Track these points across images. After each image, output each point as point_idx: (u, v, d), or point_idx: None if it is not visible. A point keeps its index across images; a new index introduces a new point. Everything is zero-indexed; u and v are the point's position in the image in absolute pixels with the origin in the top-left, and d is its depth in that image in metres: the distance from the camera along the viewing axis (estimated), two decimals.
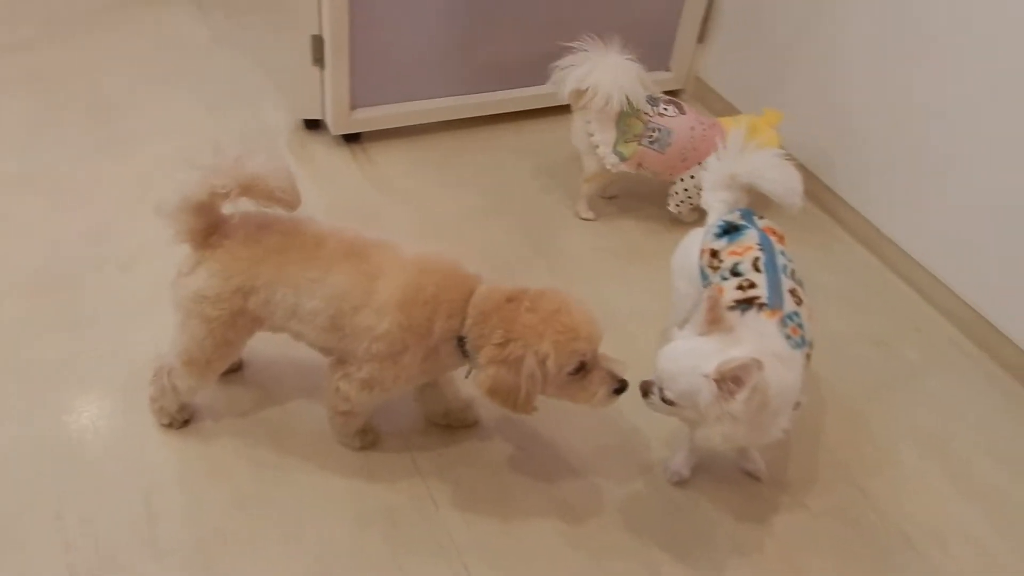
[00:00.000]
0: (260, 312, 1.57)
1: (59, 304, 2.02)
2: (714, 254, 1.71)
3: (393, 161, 2.62)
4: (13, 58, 2.87)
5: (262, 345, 1.77)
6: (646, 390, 1.53)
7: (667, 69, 3.00)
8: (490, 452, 1.80)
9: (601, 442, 1.84)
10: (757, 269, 1.61)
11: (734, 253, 1.67)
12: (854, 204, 2.47)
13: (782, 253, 1.67)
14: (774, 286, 1.58)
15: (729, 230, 1.72)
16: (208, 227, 1.54)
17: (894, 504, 1.77)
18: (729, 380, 1.37)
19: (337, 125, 2.59)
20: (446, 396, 1.78)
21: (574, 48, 2.26)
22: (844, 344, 2.13)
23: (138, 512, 1.62)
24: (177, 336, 1.62)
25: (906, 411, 1.99)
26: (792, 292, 1.60)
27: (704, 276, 1.72)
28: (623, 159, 2.32)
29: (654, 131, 2.28)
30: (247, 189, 1.48)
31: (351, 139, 2.66)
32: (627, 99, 2.23)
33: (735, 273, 1.63)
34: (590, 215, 2.48)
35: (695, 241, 1.80)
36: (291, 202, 1.55)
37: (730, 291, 1.60)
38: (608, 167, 2.34)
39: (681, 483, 1.76)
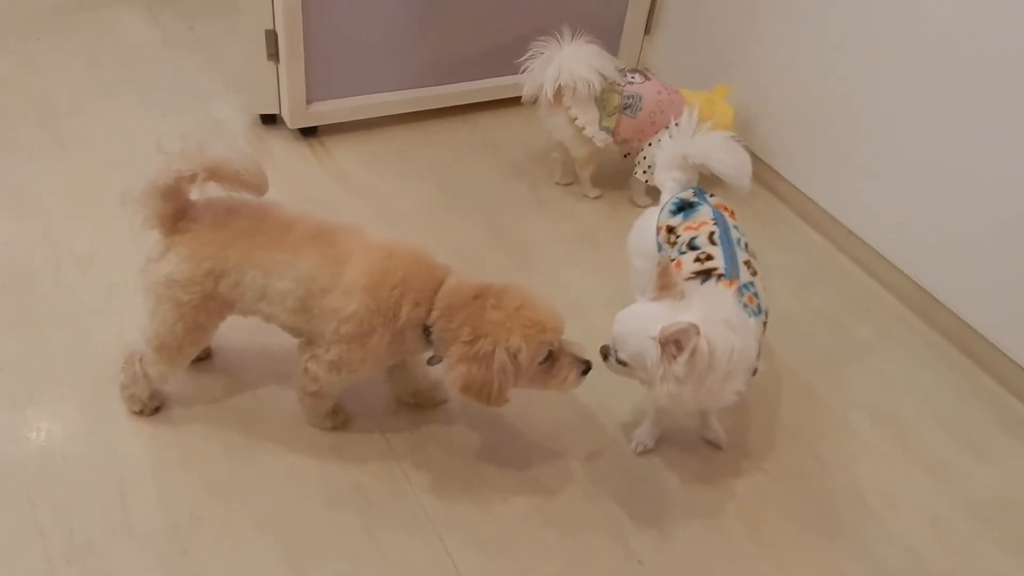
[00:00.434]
0: (231, 295, 1.59)
1: (18, 303, 2.01)
2: (671, 230, 1.77)
3: (351, 154, 2.64)
4: None
5: (231, 332, 1.79)
6: (605, 353, 1.59)
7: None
8: (460, 430, 1.84)
9: (565, 418, 1.89)
10: (713, 242, 1.68)
11: (690, 228, 1.74)
12: (799, 185, 2.57)
13: (735, 227, 1.75)
14: (730, 258, 1.65)
15: (683, 207, 1.79)
16: (176, 212, 1.56)
17: (847, 469, 1.85)
18: (671, 343, 1.43)
19: (294, 119, 2.61)
20: (415, 376, 1.82)
21: (531, 52, 2.35)
22: (795, 321, 2.22)
23: (111, 499, 1.62)
24: (148, 322, 1.63)
25: (857, 384, 2.08)
26: (747, 264, 1.67)
27: (662, 251, 1.78)
28: (610, 133, 2.42)
29: (628, 98, 2.39)
30: (213, 173, 1.50)
31: (308, 133, 2.68)
32: (603, 76, 2.33)
33: (692, 247, 1.70)
34: (596, 192, 2.58)
35: (651, 220, 1.87)
36: (258, 186, 1.57)
37: (688, 264, 1.67)
38: (599, 144, 2.43)
39: (645, 452, 1.82)
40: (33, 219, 2.26)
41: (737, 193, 1.93)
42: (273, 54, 2.49)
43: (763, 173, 2.64)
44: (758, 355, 1.59)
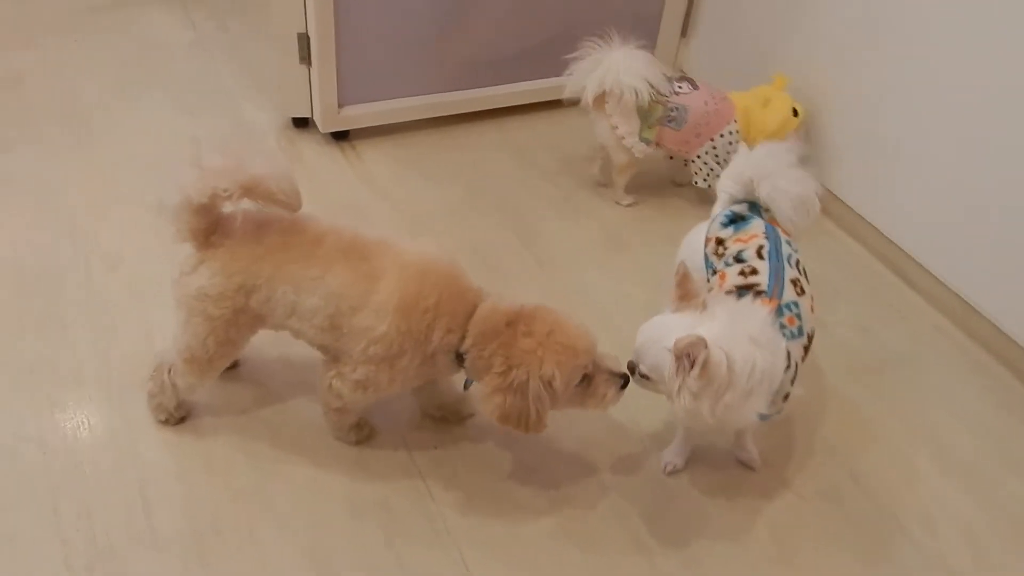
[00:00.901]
0: (261, 310, 1.57)
1: (46, 303, 2.02)
2: (719, 242, 1.73)
3: (381, 158, 2.63)
4: None
5: (259, 341, 1.77)
6: (632, 368, 1.56)
7: None
8: (485, 446, 1.81)
9: (593, 434, 1.85)
10: (760, 256, 1.63)
11: (739, 241, 1.69)
12: (837, 192, 2.50)
13: (787, 243, 1.69)
14: (776, 274, 1.59)
15: (735, 219, 1.74)
16: (209, 226, 1.55)
17: (883, 488, 1.80)
18: (684, 356, 1.39)
19: (325, 123, 2.60)
20: (441, 390, 1.79)
21: (578, 52, 2.31)
22: (830, 330, 2.16)
23: (134, 506, 1.62)
24: (179, 334, 1.62)
25: (893, 396, 2.02)
26: (794, 282, 1.61)
27: (709, 264, 1.74)
28: (648, 144, 2.38)
29: (672, 111, 2.34)
30: (248, 191, 1.49)
31: (340, 137, 2.67)
32: (651, 86, 2.29)
33: (738, 260, 1.65)
34: (629, 199, 2.54)
35: (700, 235, 1.81)
36: (292, 204, 1.55)
37: (732, 277, 1.62)
38: (637, 155, 2.40)
39: (675, 472, 1.78)
40: (62, 218, 2.27)
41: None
42: (305, 57, 2.48)
43: None
44: (793, 379, 1.54)
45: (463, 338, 1.52)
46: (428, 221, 2.41)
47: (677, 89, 2.36)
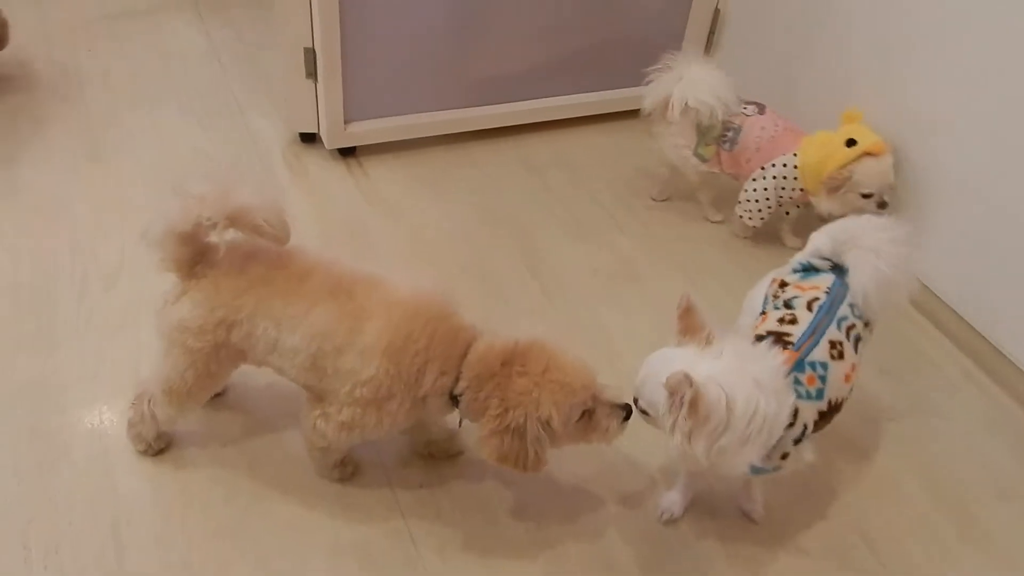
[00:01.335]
0: (243, 345, 1.51)
1: (38, 321, 1.98)
2: (782, 285, 1.64)
3: (388, 176, 2.56)
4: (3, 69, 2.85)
5: (247, 368, 1.71)
6: (636, 402, 1.47)
7: None
8: (473, 483, 1.73)
9: (589, 474, 1.76)
10: (809, 309, 1.53)
11: (799, 288, 1.60)
12: None
13: (851, 307, 1.57)
14: (814, 330, 1.49)
15: (808, 269, 1.65)
16: (194, 256, 1.49)
17: (896, 551, 1.68)
18: (677, 392, 1.30)
19: (331, 139, 2.54)
20: (429, 427, 1.72)
21: (660, 64, 2.28)
22: None
23: (106, 542, 1.57)
24: (159, 364, 1.57)
25: (914, 446, 1.90)
26: (833, 344, 1.50)
27: (765, 304, 1.64)
28: (704, 160, 2.32)
29: (728, 131, 2.27)
30: (234, 220, 1.43)
31: (347, 153, 2.61)
32: (725, 106, 2.23)
33: (787, 306, 1.56)
34: (719, 216, 2.48)
35: (768, 279, 1.71)
36: (279, 236, 1.48)
37: (771, 321, 1.54)
38: (693, 172, 2.36)
39: (672, 522, 1.69)
40: (63, 232, 2.24)
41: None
42: (312, 72, 2.43)
43: None
44: (798, 440, 1.44)
45: (457, 380, 1.46)
46: (432, 244, 2.34)
47: (744, 110, 2.27)
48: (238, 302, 1.48)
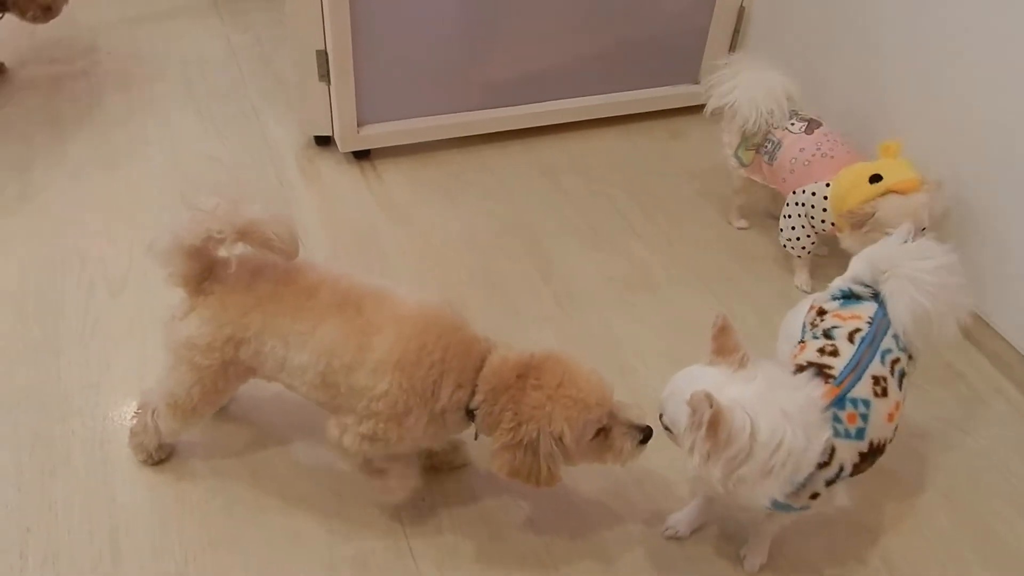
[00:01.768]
0: (251, 362, 1.48)
1: (43, 329, 1.97)
2: (821, 312, 1.55)
3: (401, 179, 2.53)
4: (19, 71, 2.86)
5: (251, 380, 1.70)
6: (660, 416, 1.42)
7: (695, 82, 2.85)
8: (476, 498, 1.69)
9: (597, 494, 1.71)
10: (851, 341, 1.44)
11: (838, 316, 1.51)
12: None
13: (895, 339, 1.48)
14: (856, 364, 1.41)
15: (848, 296, 1.56)
16: (202, 271, 1.46)
17: None
18: (697, 411, 1.25)
19: (345, 142, 2.51)
20: None
21: (724, 64, 2.23)
22: None
23: (103, 552, 1.55)
24: (165, 378, 1.54)
25: (941, 467, 1.81)
26: (876, 379, 1.41)
27: (803, 332, 1.56)
28: (742, 164, 2.27)
29: (768, 142, 2.18)
30: (243, 235, 1.40)
31: (361, 156, 2.59)
32: (783, 113, 2.16)
33: (827, 335, 1.48)
34: (742, 222, 2.43)
35: (807, 305, 1.63)
36: (288, 251, 1.45)
37: (810, 351, 1.46)
38: (730, 169, 2.30)
39: (675, 538, 1.63)
40: (73, 239, 2.23)
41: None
42: (324, 75, 2.41)
43: None
44: (831, 481, 1.36)
45: (473, 394, 1.41)
46: (443, 249, 2.30)
47: (789, 125, 2.15)
48: (246, 319, 1.44)
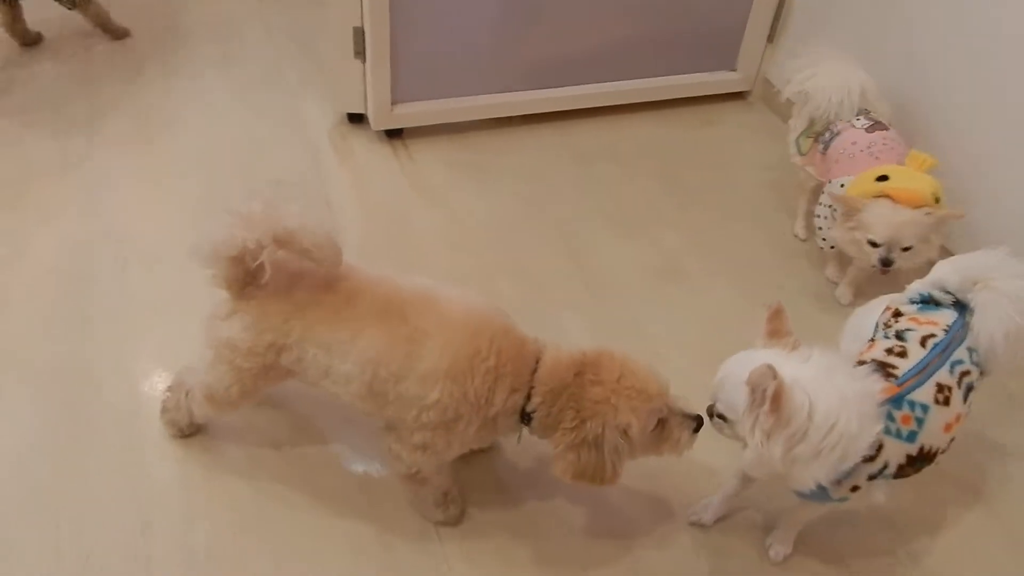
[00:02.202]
0: (293, 368, 1.48)
1: (77, 300, 1.99)
2: (896, 314, 1.53)
3: (433, 160, 2.52)
4: (67, 43, 2.87)
5: None
6: (709, 412, 1.41)
7: (732, 69, 2.82)
8: (502, 483, 1.70)
9: (629, 482, 1.70)
10: (922, 345, 1.41)
11: (914, 320, 1.48)
12: None
13: (969, 351, 1.44)
14: (923, 368, 1.39)
15: (927, 301, 1.52)
16: (245, 276, 1.43)
17: (943, 572, 1.60)
18: (759, 386, 1.24)
19: (378, 120, 2.50)
20: None
21: (808, 52, 2.19)
22: None
23: (133, 526, 1.58)
24: (204, 371, 1.54)
25: (973, 462, 1.79)
26: (941, 387, 1.38)
27: (876, 331, 1.54)
28: (800, 152, 2.24)
29: (828, 132, 2.15)
30: (282, 243, 1.38)
31: (393, 135, 2.58)
32: (835, 104, 2.11)
33: (899, 337, 1.45)
34: (807, 236, 2.35)
35: (881, 305, 1.61)
36: (328, 261, 1.41)
37: (878, 349, 1.44)
38: (790, 155, 2.27)
39: (697, 524, 1.64)
40: (107, 213, 2.25)
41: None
42: (360, 52, 2.39)
43: None
44: (874, 476, 1.36)
45: (529, 397, 1.40)
46: (473, 233, 2.29)
47: (855, 119, 2.11)
48: (286, 326, 1.43)
